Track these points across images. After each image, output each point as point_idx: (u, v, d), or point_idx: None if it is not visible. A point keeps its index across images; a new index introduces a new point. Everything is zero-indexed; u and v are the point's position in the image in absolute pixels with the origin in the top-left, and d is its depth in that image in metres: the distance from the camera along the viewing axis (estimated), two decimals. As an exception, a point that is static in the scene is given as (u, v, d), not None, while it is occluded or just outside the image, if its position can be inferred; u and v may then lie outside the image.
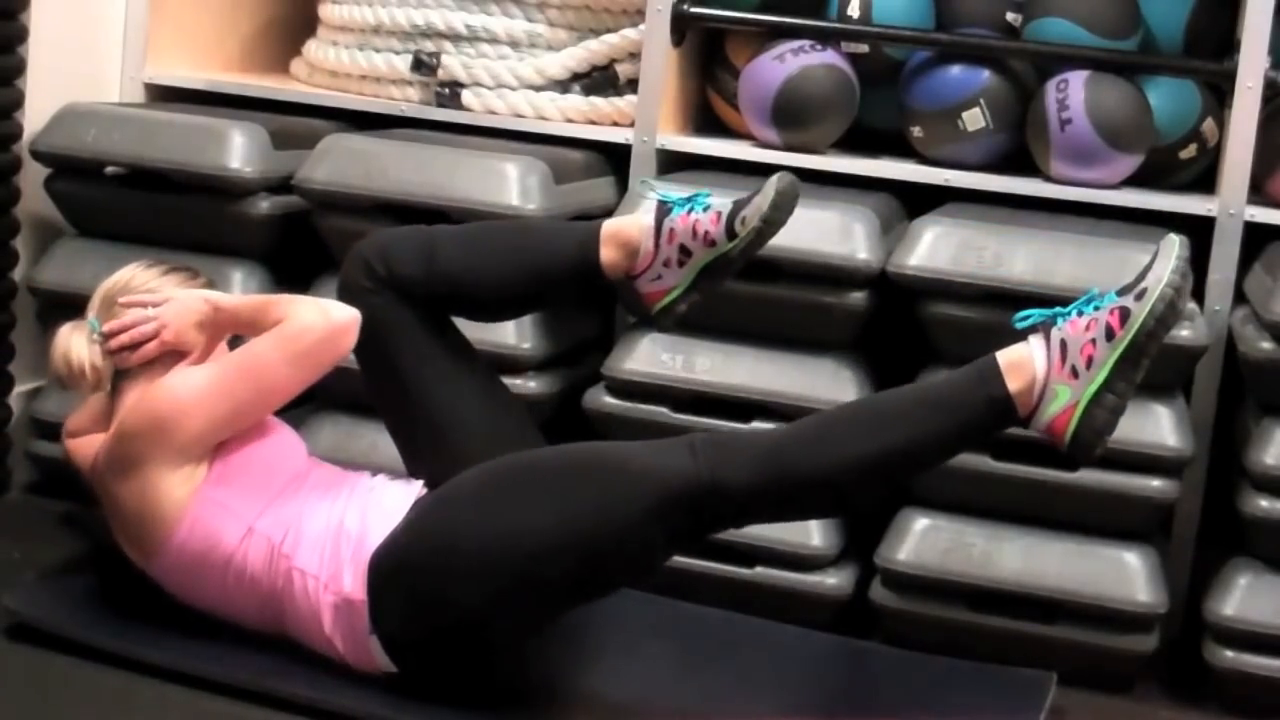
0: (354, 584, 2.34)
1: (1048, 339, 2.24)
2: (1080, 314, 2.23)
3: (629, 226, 2.55)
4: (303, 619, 2.39)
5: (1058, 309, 2.28)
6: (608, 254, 2.54)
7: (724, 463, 2.24)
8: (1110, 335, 2.19)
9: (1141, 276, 2.26)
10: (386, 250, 2.53)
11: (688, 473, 2.23)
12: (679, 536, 2.29)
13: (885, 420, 2.27)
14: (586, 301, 2.83)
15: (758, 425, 2.78)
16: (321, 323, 2.40)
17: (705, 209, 2.51)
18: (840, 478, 2.26)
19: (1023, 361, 2.24)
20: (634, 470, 2.25)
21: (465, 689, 2.35)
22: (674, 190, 2.59)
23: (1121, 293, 2.26)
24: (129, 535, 2.45)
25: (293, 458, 2.52)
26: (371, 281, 2.51)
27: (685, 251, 2.50)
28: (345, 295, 2.51)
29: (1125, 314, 2.20)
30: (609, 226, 2.56)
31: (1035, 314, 2.28)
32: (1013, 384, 2.23)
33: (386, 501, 2.42)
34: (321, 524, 2.40)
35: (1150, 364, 2.22)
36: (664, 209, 2.53)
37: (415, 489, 2.46)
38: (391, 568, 2.33)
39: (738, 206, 2.49)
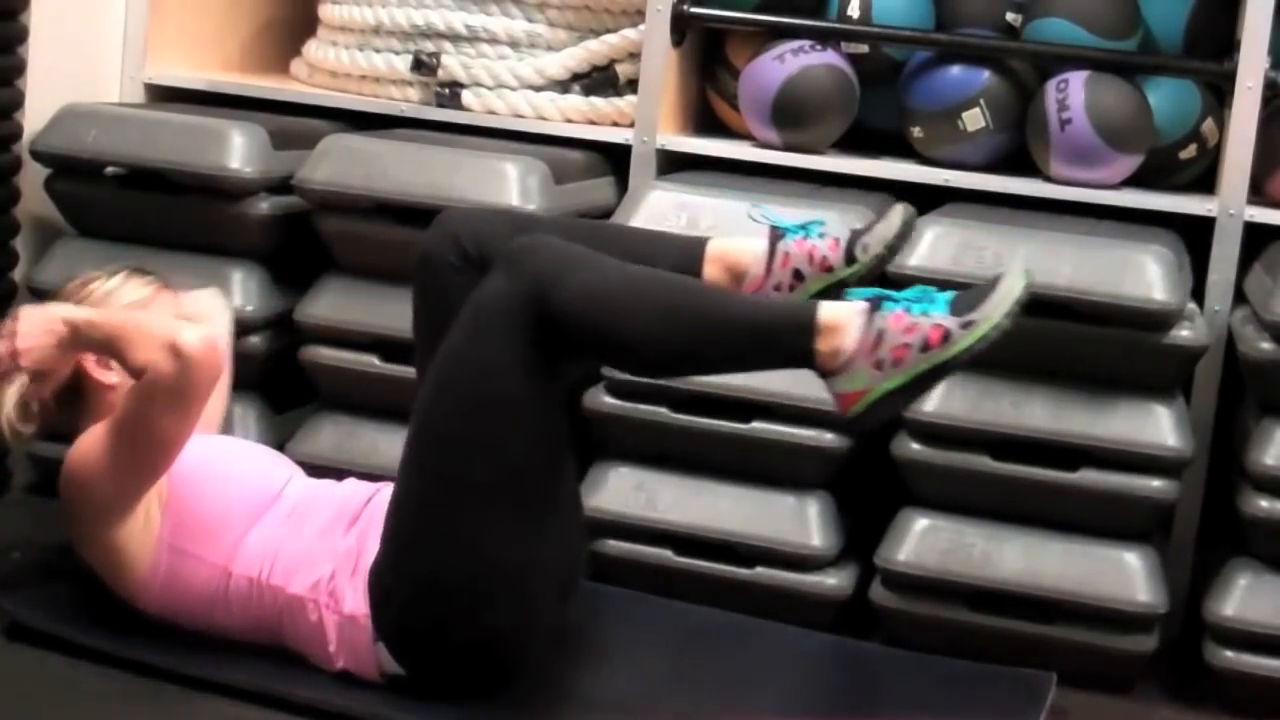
0: (355, 601, 2.34)
1: (869, 319, 2.21)
2: (908, 311, 2.21)
3: (739, 250, 2.47)
4: (303, 639, 2.39)
5: (890, 293, 2.25)
6: (711, 272, 2.46)
7: (552, 281, 2.23)
8: (925, 348, 2.19)
9: (977, 303, 2.21)
10: (480, 231, 2.44)
11: (509, 291, 2.25)
12: (540, 350, 2.26)
13: (704, 322, 2.25)
14: None
15: (757, 425, 2.78)
16: (176, 366, 2.31)
17: (821, 235, 2.47)
18: (644, 351, 2.26)
19: (839, 327, 2.21)
20: (473, 335, 2.27)
21: (466, 689, 2.35)
22: (787, 216, 2.53)
23: (954, 307, 2.22)
24: (107, 584, 2.46)
25: (256, 486, 2.48)
26: (459, 259, 2.42)
27: (799, 276, 2.44)
28: (425, 267, 2.44)
29: (946, 336, 2.19)
30: (716, 247, 2.48)
31: (868, 291, 2.27)
32: (823, 343, 2.21)
33: (378, 513, 2.41)
34: (311, 547, 2.39)
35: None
36: (777, 234, 2.47)
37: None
38: (391, 576, 2.33)
39: (857, 234, 2.46)
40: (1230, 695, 2.65)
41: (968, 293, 2.24)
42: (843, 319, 2.21)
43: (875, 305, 2.21)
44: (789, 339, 2.23)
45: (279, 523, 2.44)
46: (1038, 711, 2.48)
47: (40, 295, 3.08)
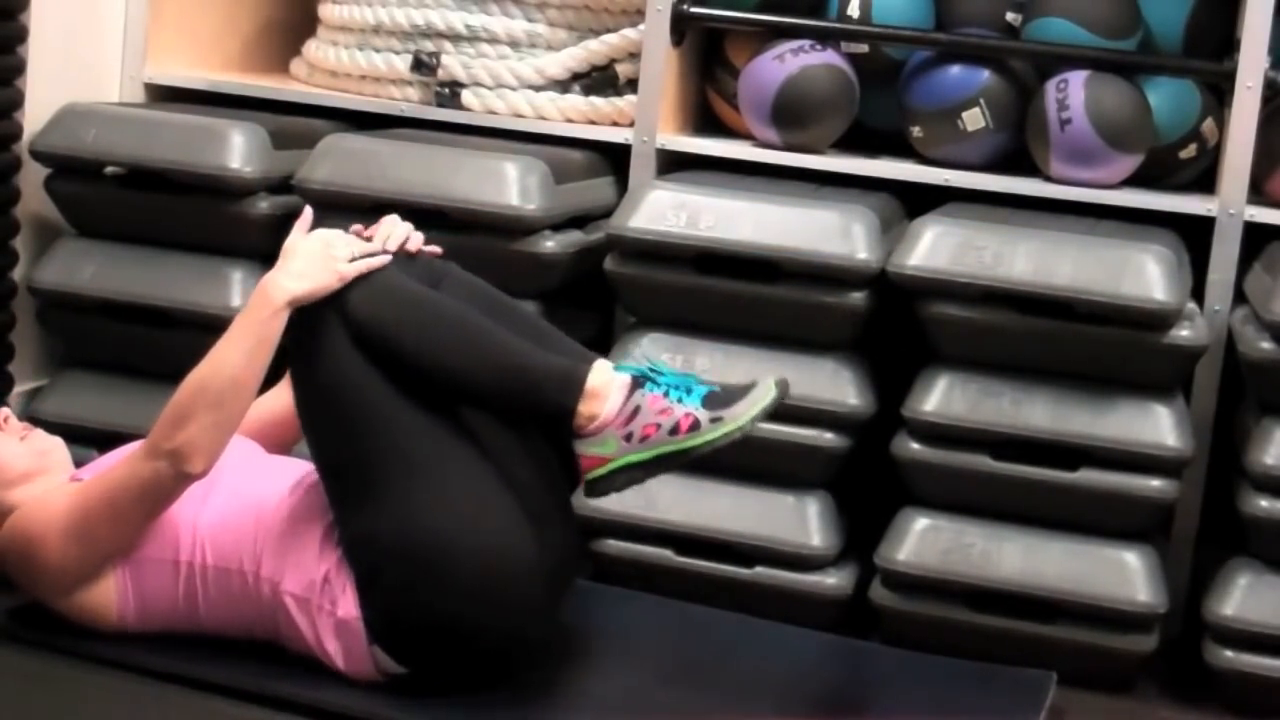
0: (346, 605, 2.34)
1: (630, 393, 2.31)
2: (666, 394, 2.31)
3: (601, 386, 2.34)
4: (302, 640, 2.38)
5: (655, 372, 2.34)
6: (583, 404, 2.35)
7: (363, 298, 2.32)
8: (674, 431, 2.30)
9: (729, 403, 2.31)
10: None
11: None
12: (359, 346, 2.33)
13: (479, 355, 2.33)
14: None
15: (757, 425, 2.78)
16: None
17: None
18: (432, 373, 2.32)
19: (601, 395, 2.31)
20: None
21: (466, 688, 2.35)
22: (667, 365, 2.50)
23: (708, 402, 2.31)
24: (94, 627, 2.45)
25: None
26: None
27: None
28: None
29: (695, 425, 2.30)
30: (593, 379, 2.34)
31: (638, 368, 2.35)
32: (584, 406, 2.31)
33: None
34: (306, 547, 2.37)
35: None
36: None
37: None
38: (360, 572, 2.33)
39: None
40: (1230, 695, 2.66)
41: (723, 391, 2.33)
42: (606, 388, 2.31)
43: (639, 383, 2.30)
44: (553, 394, 2.32)
45: (235, 493, 2.41)
46: (1038, 711, 2.48)
47: (40, 295, 3.09)
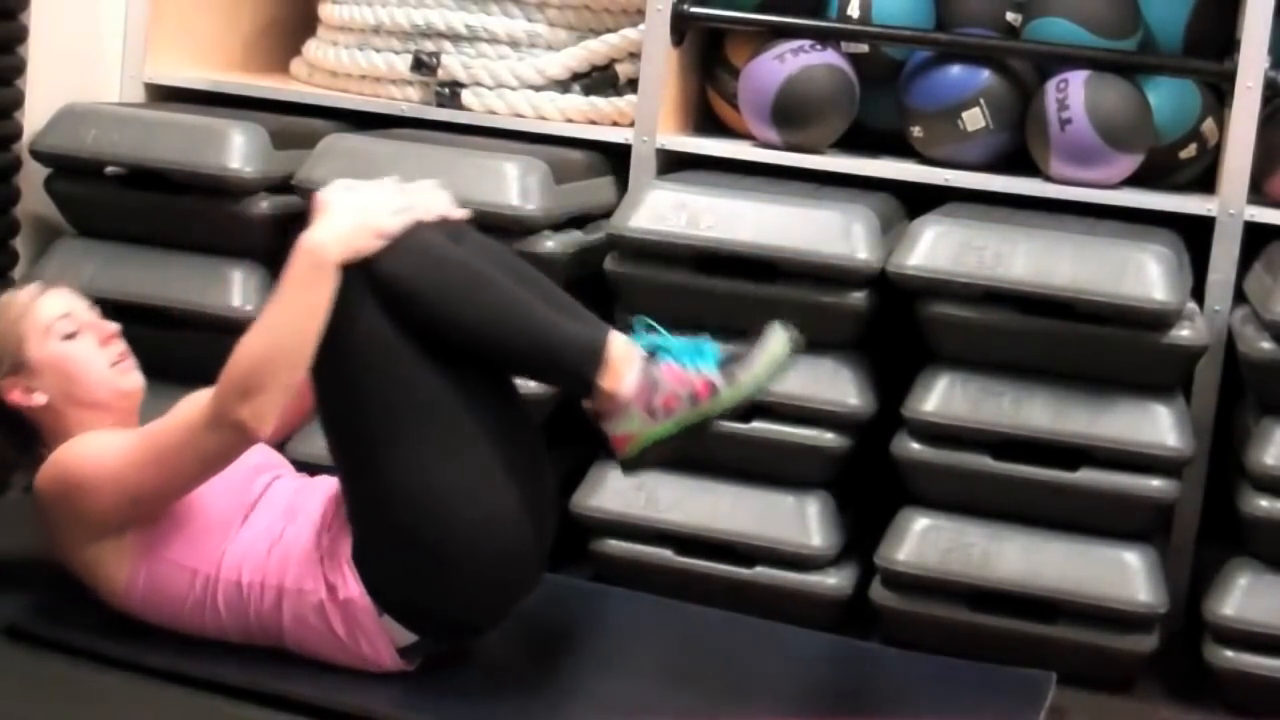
0: (347, 586, 2.35)
1: (645, 367, 2.31)
2: (681, 364, 2.30)
3: (622, 360, 2.34)
4: (311, 636, 2.39)
5: (668, 341, 2.33)
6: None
7: (392, 256, 2.30)
8: (694, 401, 2.30)
9: (743, 360, 2.31)
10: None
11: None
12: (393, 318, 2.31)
13: (513, 324, 2.32)
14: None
15: (757, 425, 2.78)
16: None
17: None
18: (455, 334, 2.31)
19: (621, 369, 2.31)
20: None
21: (466, 688, 2.35)
22: (674, 336, 2.43)
23: (723, 365, 2.31)
24: (89, 588, 2.46)
25: (236, 491, 2.46)
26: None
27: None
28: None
29: (713, 390, 2.29)
30: (613, 349, 2.34)
31: (648, 340, 2.34)
32: (604, 381, 2.30)
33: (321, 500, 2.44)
34: (304, 543, 2.39)
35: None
36: (648, 356, 2.36)
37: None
38: (365, 543, 2.34)
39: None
40: (1230, 695, 2.66)
41: (734, 352, 2.33)
42: (626, 360, 2.30)
43: (651, 354, 2.30)
44: (576, 365, 2.31)
45: (267, 523, 2.43)
46: (1037, 711, 2.48)
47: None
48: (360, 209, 2.33)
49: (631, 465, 2.35)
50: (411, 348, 2.30)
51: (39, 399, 2.49)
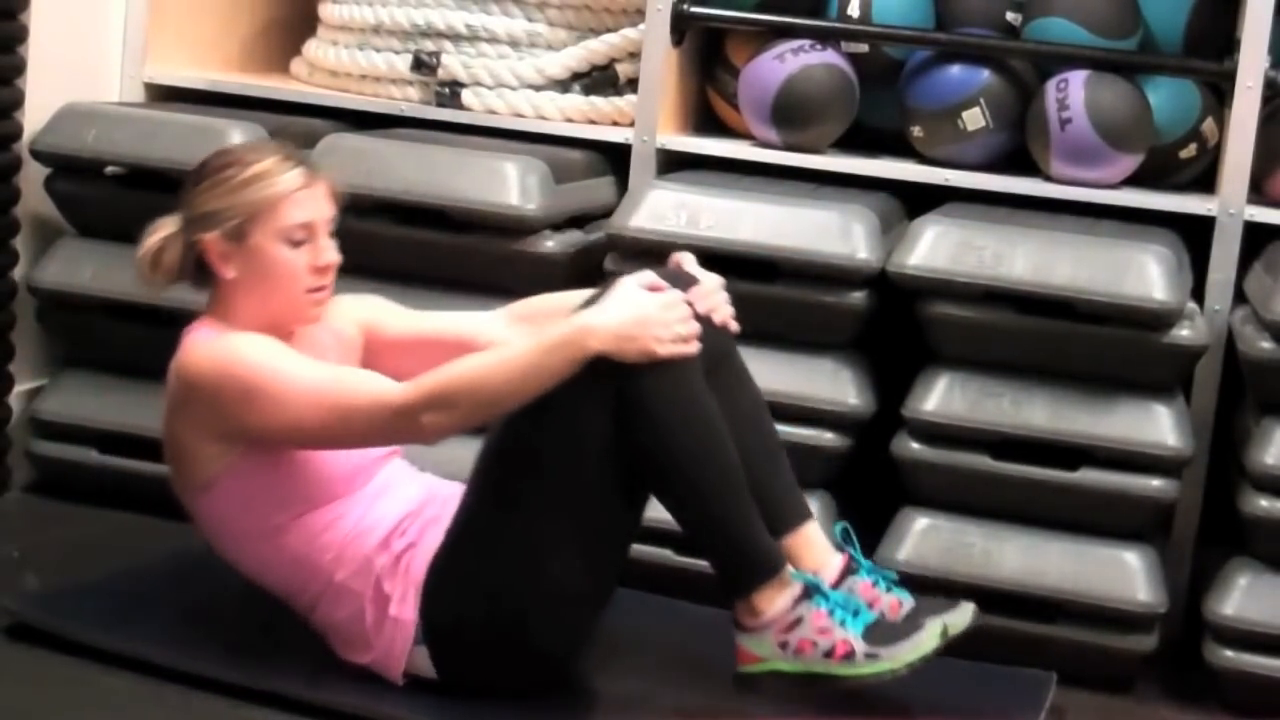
0: (400, 605, 2.34)
1: (797, 602, 2.29)
2: (831, 614, 2.29)
3: (819, 553, 2.42)
4: (334, 625, 2.38)
5: (824, 589, 2.31)
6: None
7: (651, 377, 2.28)
8: (829, 654, 2.29)
9: (891, 640, 2.28)
10: None
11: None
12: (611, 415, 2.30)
13: (712, 506, 2.32)
14: None
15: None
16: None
17: (890, 588, 2.37)
18: (656, 477, 2.34)
19: (776, 593, 2.30)
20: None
21: (488, 694, 2.35)
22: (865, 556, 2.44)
23: (870, 634, 2.29)
24: (169, 466, 2.43)
25: (362, 470, 2.42)
26: None
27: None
28: None
29: (850, 655, 2.28)
30: (799, 540, 2.42)
31: (806, 577, 2.31)
32: (758, 595, 2.30)
33: (439, 517, 2.39)
34: (369, 541, 2.37)
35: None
36: (852, 566, 2.40)
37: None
38: (450, 583, 2.33)
39: (920, 610, 2.34)
40: (1230, 695, 2.66)
41: (887, 625, 2.30)
42: (783, 589, 2.29)
43: (808, 592, 2.28)
44: (741, 570, 2.30)
45: (361, 511, 2.39)
46: (1038, 711, 2.48)
47: (40, 295, 3.09)
48: (645, 316, 2.27)
49: (744, 682, 2.34)
50: (607, 456, 2.28)
51: (230, 273, 2.39)
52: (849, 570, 2.42)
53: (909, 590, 2.42)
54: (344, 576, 2.36)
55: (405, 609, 2.33)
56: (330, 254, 2.42)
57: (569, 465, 2.29)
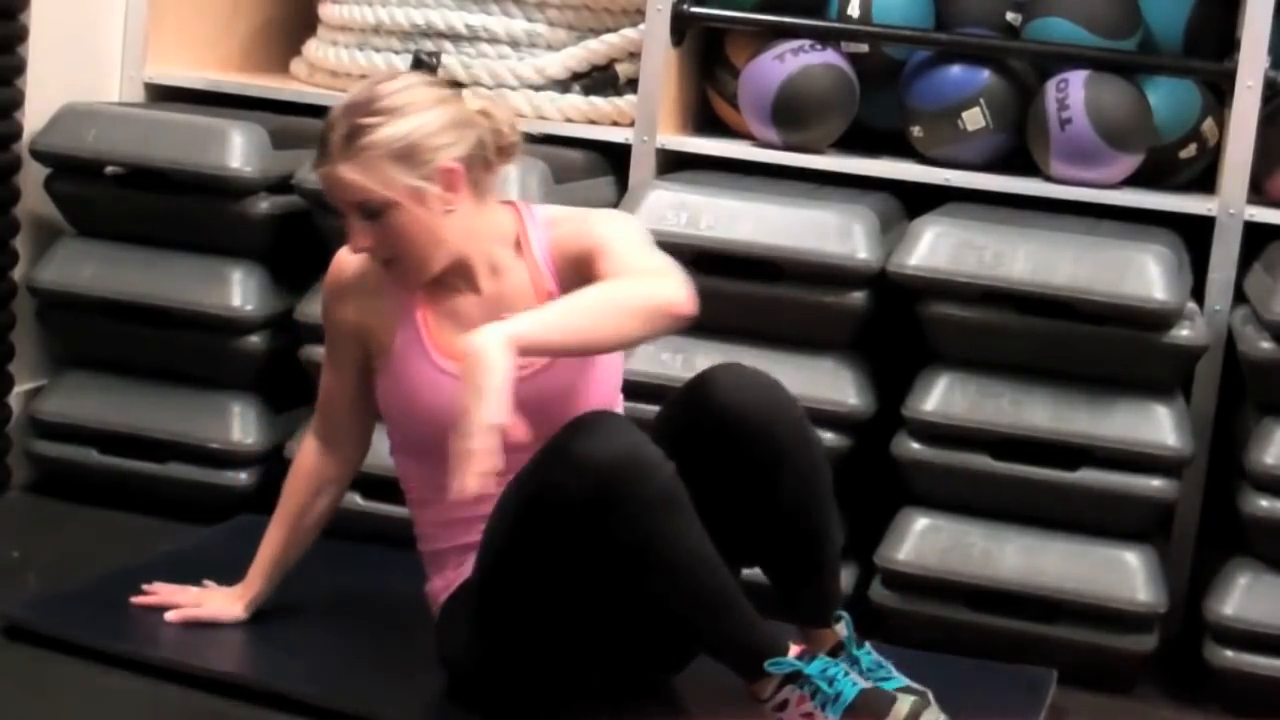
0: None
1: (783, 685, 2.24)
2: (812, 697, 2.23)
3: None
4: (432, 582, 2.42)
5: (805, 672, 2.24)
6: None
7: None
8: None
9: (873, 711, 2.23)
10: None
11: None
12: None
13: (702, 605, 2.25)
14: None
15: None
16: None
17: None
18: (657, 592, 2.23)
19: (767, 683, 2.24)
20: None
21: (465, 689, 2.35)
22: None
23: (850, 708, 2.21)
24: None
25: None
26: None
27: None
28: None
29: None
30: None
31: (788, 664, 2.25)
32: (754, 685, 2.26)
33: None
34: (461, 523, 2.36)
35: None
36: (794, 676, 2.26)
37: None
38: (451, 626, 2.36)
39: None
40: (1230, 695, 2.66)
41: (865, 701, 2.23)
42: (772, 678, 2.25)
43: (791, 678, 2.24)
44: (733, 662, 2.26)
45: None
46: (1038, 708, 2.48)
47: (40, 295, 3.09)
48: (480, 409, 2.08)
49: None
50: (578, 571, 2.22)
51: (447, 208, 2.29)
52: (786, 681, 2.28)
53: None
54: (431, 546, 2.39)
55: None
56: (355, 240, 2.32)
57: (539, 575, 2.23)
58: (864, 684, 2.24)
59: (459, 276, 2.35)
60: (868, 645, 2.36)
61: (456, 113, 2.31)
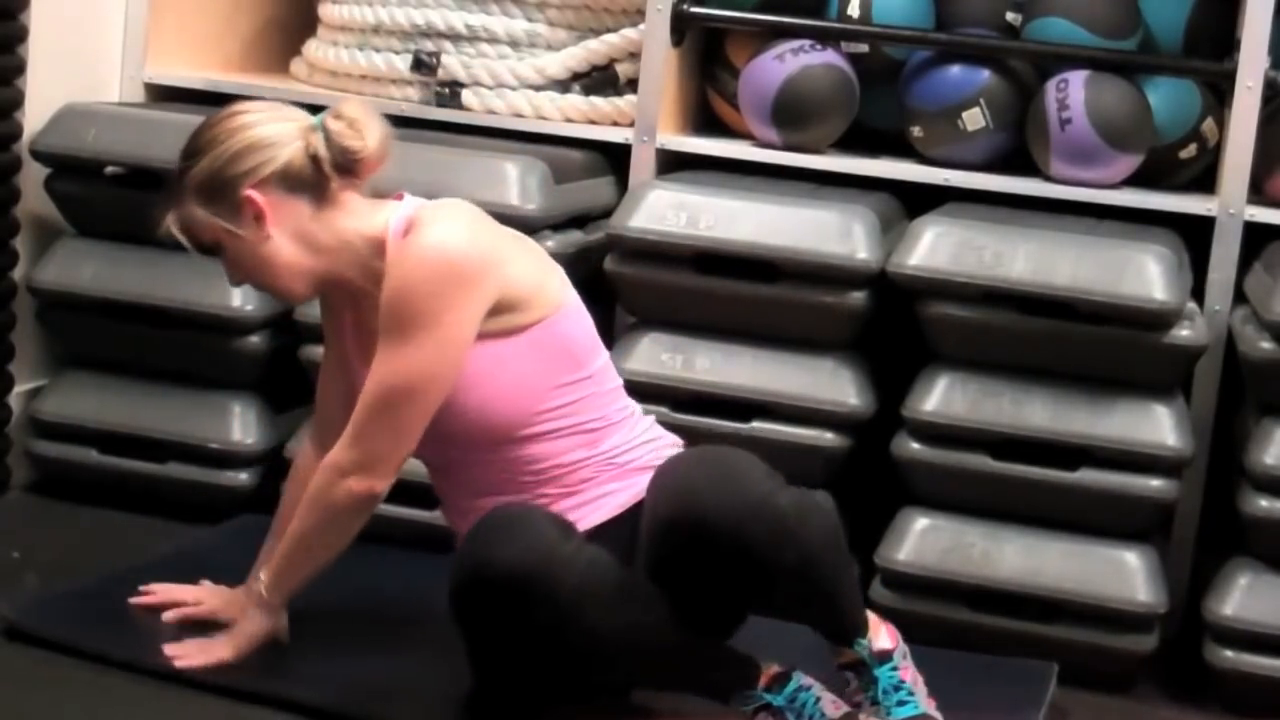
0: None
1: (757, 712, 2.25)
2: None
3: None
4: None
5: (774, 706, 2.24)
6: None
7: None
8: None
9: None
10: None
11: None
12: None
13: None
14: None
15: (757, 424, 2.78)
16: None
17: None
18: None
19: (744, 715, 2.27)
20: None
21: (464, 689, 2.35)
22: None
23: None
24: None
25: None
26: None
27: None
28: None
29: None
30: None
31: (758, 700, 2.26)
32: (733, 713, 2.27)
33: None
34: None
35: None
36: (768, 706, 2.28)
37: None
38: None
39: None
40: (1230, 695, 2.66)
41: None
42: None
43: (764, 708, 2.25)
44: (708, 690, 2.29)
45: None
46: (1040, 701, 2.48)
47: (40, 295, 3.09)
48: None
49: None
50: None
51: (264, 236, 2.31)
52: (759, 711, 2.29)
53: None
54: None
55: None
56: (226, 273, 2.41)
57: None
58: (837, 713, 2.23)
59: (342, 289, 2.38)
60: (896, 660, 2.30)
61: (260, 135, 2.29)
